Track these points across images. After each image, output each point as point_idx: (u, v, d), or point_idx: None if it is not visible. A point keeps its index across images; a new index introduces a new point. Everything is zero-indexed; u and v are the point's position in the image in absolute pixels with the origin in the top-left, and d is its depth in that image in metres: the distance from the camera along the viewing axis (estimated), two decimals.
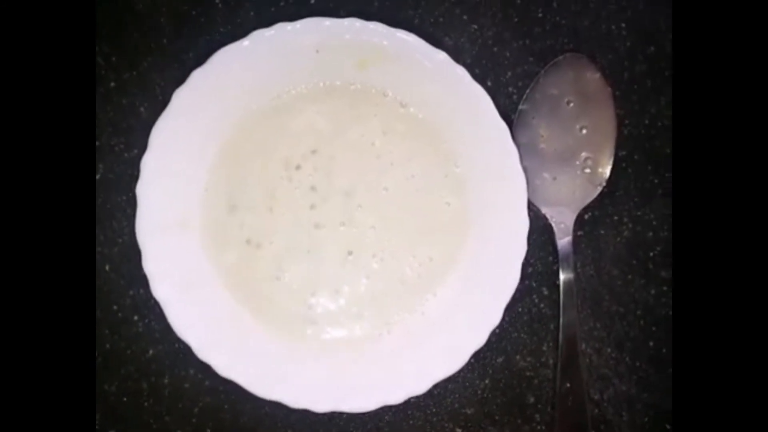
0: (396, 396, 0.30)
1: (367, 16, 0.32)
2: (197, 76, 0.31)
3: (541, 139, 0.35)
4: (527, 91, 0.35)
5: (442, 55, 0.31)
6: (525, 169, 0.32)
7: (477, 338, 0.31)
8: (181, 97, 0.31)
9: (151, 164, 0.31)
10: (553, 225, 0.35)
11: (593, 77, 0.35)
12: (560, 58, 0.35)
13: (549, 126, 0.35)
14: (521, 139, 0.34)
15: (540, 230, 0.35)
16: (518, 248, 0.31)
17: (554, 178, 0.35)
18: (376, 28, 0.31)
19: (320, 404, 0.30)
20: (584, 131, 0.35)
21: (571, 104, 0.35)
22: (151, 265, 0.30)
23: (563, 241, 0.34)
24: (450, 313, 0.32)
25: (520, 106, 0.35)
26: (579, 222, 0.35)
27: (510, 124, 0.33)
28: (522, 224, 0.31)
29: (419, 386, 0.30)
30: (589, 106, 0.35)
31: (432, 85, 0.32)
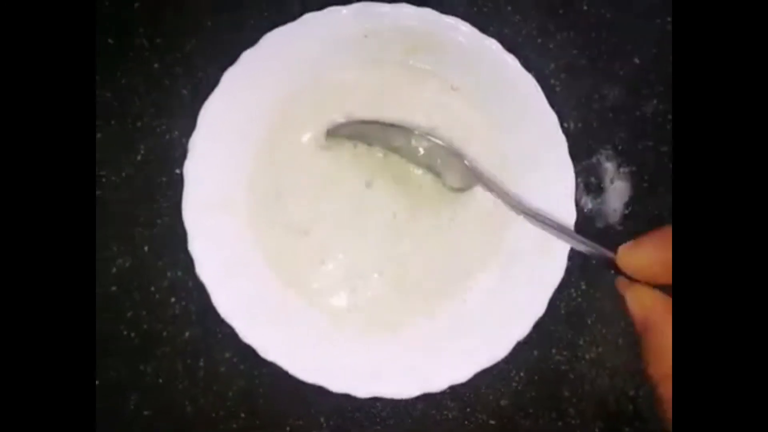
0: (438, 383, 0.30)
1: (414, 4, 0.32)
2: (247, 57, 0.31)
3: None
4: None
5: (492, 43, 0.31)
6: None
7: (520, 328, 0.30)
8: (230, 77, 0.31)
9: (199, 143, 0.31)
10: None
11: None
12: None
13: None
14: None
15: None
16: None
17: None
18: (426, 14, 0.31)
19: (361, 389, 0.30)
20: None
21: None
22: (196, 246, 0.30)
23: None
24: (492, 302, 0.32)
25: None
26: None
27: None
28: (569, 214, 0.31)
29: (461, 374, 0.30)
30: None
31: (480, 72, 0.32)
